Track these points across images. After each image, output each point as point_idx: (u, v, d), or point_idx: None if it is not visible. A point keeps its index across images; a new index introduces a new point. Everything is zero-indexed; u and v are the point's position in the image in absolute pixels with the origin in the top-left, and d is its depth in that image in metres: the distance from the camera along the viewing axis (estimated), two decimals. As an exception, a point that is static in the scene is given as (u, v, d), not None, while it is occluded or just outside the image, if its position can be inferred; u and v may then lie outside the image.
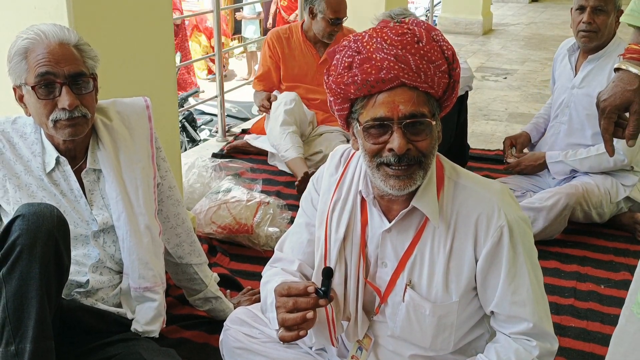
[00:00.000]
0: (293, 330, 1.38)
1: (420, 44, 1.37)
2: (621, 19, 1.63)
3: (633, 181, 2.95)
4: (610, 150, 1.58)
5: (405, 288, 1.50)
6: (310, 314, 1.37)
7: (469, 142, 3.82)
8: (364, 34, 1.42)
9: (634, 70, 1.53)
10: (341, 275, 1.54)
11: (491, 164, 3.85)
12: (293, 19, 8.79)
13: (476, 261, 1.47)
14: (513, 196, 1.53)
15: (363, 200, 1.55)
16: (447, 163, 1.54)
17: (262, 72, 3.86)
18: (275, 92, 3.85)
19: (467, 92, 3.61)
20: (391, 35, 1.38)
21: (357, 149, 1.48)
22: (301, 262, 1.63)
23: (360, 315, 1.56)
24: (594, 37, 2.90)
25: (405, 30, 1.39)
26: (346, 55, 1.41)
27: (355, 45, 1.40)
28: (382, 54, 1.36)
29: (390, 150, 1.37)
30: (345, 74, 1.40)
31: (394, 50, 1.35)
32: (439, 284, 1.48)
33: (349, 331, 1.58)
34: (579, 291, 2.55)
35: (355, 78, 1.37)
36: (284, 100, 3.63)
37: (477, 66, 6.39)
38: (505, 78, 6.04)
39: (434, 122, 1.40)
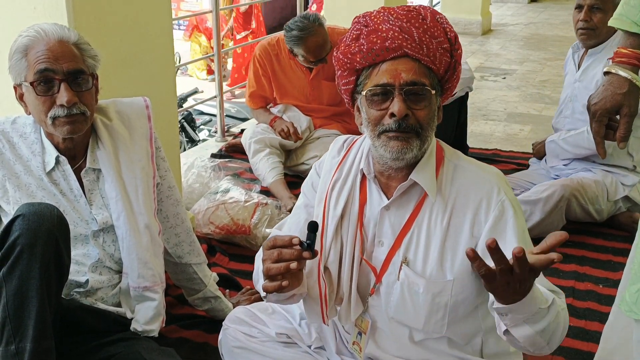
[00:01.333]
0: (277, 280, 1.39)
1: (425, 21, 1.48)
2: (610, 23, 1.62)
3: (633, 181, 2.96)
4: (602, 153, 1.60)
5: (401, 266, 1.51)
6: (293, 265, 1.37)
7: (468, 142, 3.83)
8: (373, 10, 1.53)
9: (623, 73, 1.54)
10: (336, 252, 1.56)
11: (489, 163, 3.84)
12: (242, 37, 8.83)
13: (476, 243, 1.47)
14: (509, 183, 1.56)
15: (363, 180, 1.58)
16: (448, 148, 1.59)
17: (254, 89, 3.66)
18: (274, 109, 3.71)
19: (467, 93, 3.62)
20: (398, 11, 1.49)
21: (361, 124, 1.54)
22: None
23: (354, 296, 1.56)
24: (592, 35, 2.95)
25: (411, 9, 1.50)
26: (355, 29, 1.52)
27: (364, 19, 1.52)
28: (388, 25, 1.46)
29: (392, 115, 1.44)
30: (353, 44, 1.50)
31: (399, 22, 1.46)
32: (434, 260, 1.50)
33: (342, 313, 1.59)
34: (578, 290, 2.55)
35: (362, 47, 1.47)
36: (249, 134, 3.55)
37: (476, 66, 6.39)
38: (504, 78, 6.04)
39: (433, 91, 1.47)
